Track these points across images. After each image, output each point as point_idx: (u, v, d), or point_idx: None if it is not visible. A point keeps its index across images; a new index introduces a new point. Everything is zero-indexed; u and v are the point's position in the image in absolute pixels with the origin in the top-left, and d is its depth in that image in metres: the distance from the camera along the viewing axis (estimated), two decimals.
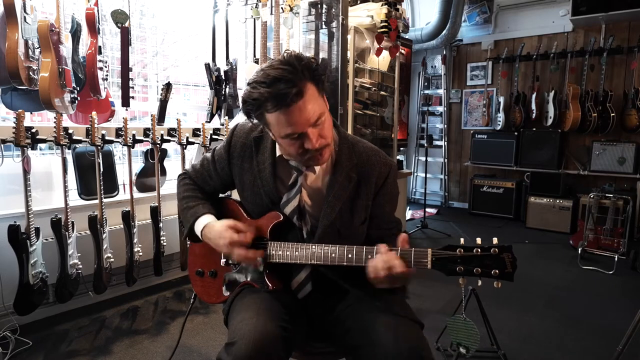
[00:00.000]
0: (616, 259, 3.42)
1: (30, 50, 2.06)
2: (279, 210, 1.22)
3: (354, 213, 1.21)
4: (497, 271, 0.95)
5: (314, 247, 1.13)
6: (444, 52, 5.81)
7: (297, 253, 1.15)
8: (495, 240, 0.97)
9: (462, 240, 1.00)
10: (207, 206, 1.30)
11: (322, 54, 3.37)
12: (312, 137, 1.06)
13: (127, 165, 2.48)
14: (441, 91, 5.97)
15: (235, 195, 1.39)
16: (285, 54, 1.05)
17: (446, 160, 6.05)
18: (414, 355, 1.02)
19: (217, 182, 1.35)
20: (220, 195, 1.43)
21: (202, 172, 1.36)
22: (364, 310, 1.16)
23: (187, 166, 2.80)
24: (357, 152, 1.22)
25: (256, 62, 3.18)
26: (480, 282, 1.00)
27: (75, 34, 2.30)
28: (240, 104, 1.10)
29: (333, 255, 1.10)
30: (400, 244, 1.06)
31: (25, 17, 2.02)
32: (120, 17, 2.45)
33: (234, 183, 1.33)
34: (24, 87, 2.07)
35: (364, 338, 1.10)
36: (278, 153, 1.23)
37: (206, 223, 1.24)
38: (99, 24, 2.37)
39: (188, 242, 1.40)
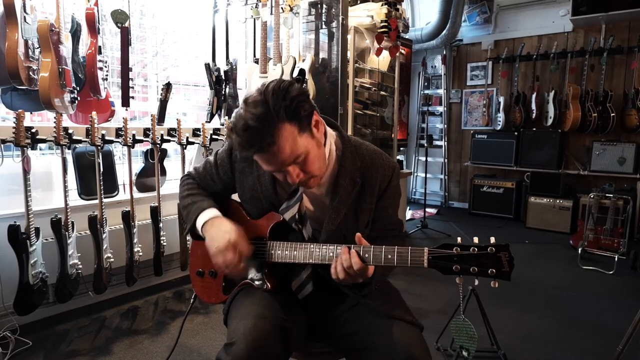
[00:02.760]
0: (616, 259, 3.42)
1: (30, 50, 2.06)
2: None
3: (358, 217, 1.20)
4: (494, 270, 0.94)
5: (312, 246, 1.13)
6: (444, 52, 5.81)
7: (295, 253, 1.15)
8: (492, 240, 0.97)
9: (459, 239, 0.99)
10: (211, 201, 1.29)
11: (322, 54, 3.37)
12: (292, 173, 1.05)
13: (127, 165, 2.48)
14: (441, 91, 5.97)
15: (235, 197, 1.39)
16: (269, 88, 1.01)
17: (446, 160, 6.05)
18: (413, 358, 1.02)
19: (220, 186, 1.35)
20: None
21: (205, 175, 1.36)
22: (364, 313, 1.16)
23: (188, 167, 2.83)
24: (361, 156, 1.21)
25: (256, 62, 3.18)
26: (477, 282, 1.00)
27: (75, 34, 2.30)
28: None
29: (331, 254, 1.10)
30: (357, 241, 1.05)
31: (25, 17, 2.02)
32: (120, 17, 2.45)
33: (236, 187, 1.33)
34: (24, 87, 2.08)
35: (364, 342, 1.10)
36: None
37: (213, 216, 1.22)
38: (99, 24, 2.37)
39: (189, 242, 1.40)
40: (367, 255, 1.04)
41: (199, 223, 1.23)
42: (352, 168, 1.18)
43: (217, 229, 1.18)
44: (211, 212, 1.23)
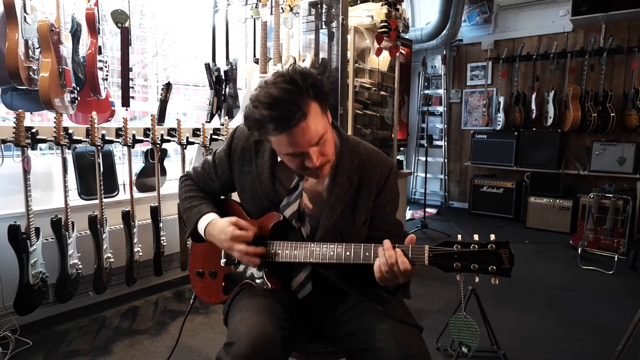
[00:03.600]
0: (616, 259, 3.42)
1: (30, 50, 2.06)
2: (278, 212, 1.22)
3: (355, 215, 1.20)
4: (494, 267, 0.94)
5: (313, 245, 1.13)
6: (444, 52, 5.81)
7: (296, 252, 1.15)
8: (492, 237, 0.96)
9: (459, 237, 0.99)
10: (210, 205, 1.30)
11: (322, 54, 3.37)
12: (313, 156, 1.04)
13: (127, 165, 2.48)
14: (441, 91, 5.97)
15: (235, 197, 1.39)
16: (290, 69, 1.02)
17: (446, 160, 6.05)
18: None
19: (218, 185, 1.35)
20: (222, 197, 1.43)
21: (204, 174, 1.36)
22: (364, 314, 1.16)
23: (188, 167, 2.82)
24: (358, 154, 1.22)
25: (256, 62, 3.18)
26: (477, 279, 0.99)
27: (75, 34, 2.30)
28: (242, 120, 1.08)
29: (332, 253, 1.10)
30: (405, 242, 1.04)
31: (25, 17, 2.02)
32: (120, 17, 2.45)
33: (235, 186, 1.33)
34: (24, 87, 2.08)
35: (363, 343, 1.10)
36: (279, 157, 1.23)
37: (210, 220, 1.24)
38: (99, 24, 2.37)
39: (189, 242, 1.40)
40: (367, 253, 1.04)
41: (200, 229, 1.25)
42: (349, 167, 1.19)
43: (218, 230, 1.20)
44: (210, 217, 1.25)
